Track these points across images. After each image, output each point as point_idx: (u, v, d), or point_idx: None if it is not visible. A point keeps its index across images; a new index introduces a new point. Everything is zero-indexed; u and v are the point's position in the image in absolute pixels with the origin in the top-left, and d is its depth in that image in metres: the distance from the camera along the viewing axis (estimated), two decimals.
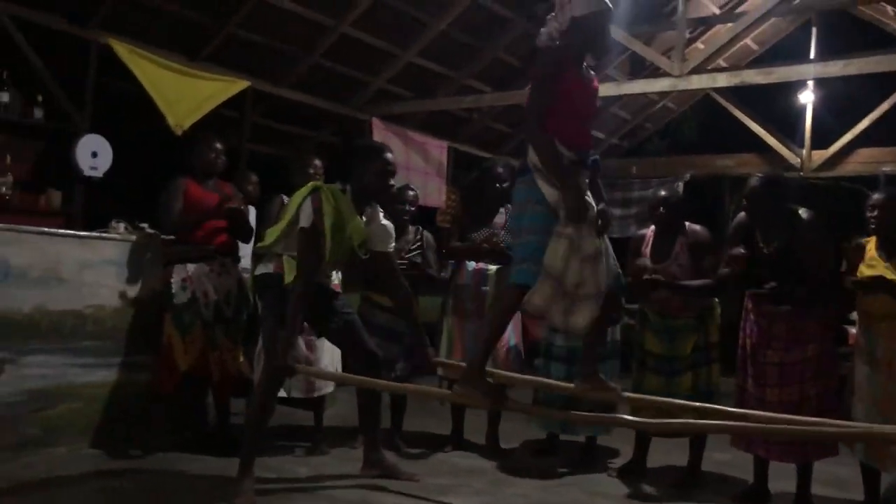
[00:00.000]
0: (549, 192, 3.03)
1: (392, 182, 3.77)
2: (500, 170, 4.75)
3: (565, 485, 4.09)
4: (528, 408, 3.74)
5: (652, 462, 4.34)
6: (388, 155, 3.71)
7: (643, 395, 3.84)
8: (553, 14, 3.20)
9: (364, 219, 3.70)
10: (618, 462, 4.54)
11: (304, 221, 3.51)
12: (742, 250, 3.82)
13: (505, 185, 4.67)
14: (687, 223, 4.27)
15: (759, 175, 3.86)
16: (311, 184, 3.65)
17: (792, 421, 2.97)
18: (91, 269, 4.25)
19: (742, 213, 3.93)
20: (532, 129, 3.11)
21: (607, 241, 3.23)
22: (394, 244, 3.86)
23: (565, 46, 3.15)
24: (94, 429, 4.22)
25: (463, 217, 4.95)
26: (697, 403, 3.33)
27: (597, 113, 3.36)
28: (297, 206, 3.57)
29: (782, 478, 3.93)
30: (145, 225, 4.65)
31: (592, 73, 3.28)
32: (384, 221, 3.79)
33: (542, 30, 3.21)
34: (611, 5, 3.18)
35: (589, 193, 3.11)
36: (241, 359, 4.57)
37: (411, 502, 3.59)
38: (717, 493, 4.00)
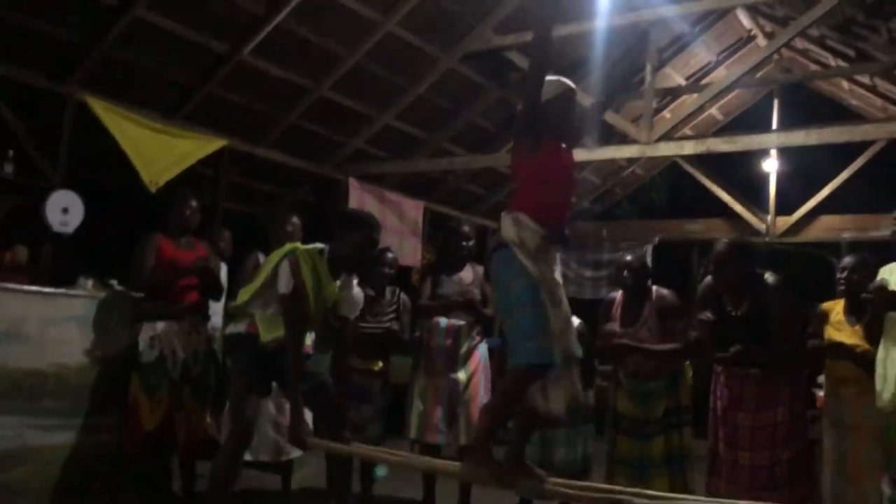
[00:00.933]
0: (531, 265, 2.95)
1: (372, 256, 3.76)
2: (466, 228, 4.85)
3: None
4: (538, 485, 3.56)
5: None
6: (374, 230, 3.66)
7: (589, 487, 3.63)
8: None
9: (339, 284, 3.68)
10: None
11: (284, 287, 3.47)
12: (709, 315, 3.85)
13: (471, 242, 4.78)
14: (655, 287, 4.33)
15: (725, 240, 3.90)
16: (288, 245, 3.63)
17: None
18: (55, 326, 4.16)
19: (709, 278, 3.98)
20: (530, 94, 2.98)
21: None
22: (357, 313, 3.86)
23: (542, 121, 3.05)
24: (52, 493, 4.08)
25: (432, 275, 4.97)
26: (661, 494, 3.31)
27: (574, 187, 3.32)
28: (273, 265, 3.56)
29: None
30: (114, 281, 4.59)
31: (570, 152, 3.27)
32: (356, 290, 3.78)
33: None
34: (570, 87, 3.09)
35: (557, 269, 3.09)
36: (209, 420, 4.48)
37: None
38: None
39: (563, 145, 3.12)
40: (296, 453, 4.48)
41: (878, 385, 3.23)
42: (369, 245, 3.65)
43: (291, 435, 3.59)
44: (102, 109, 5.66)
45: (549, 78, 3.14)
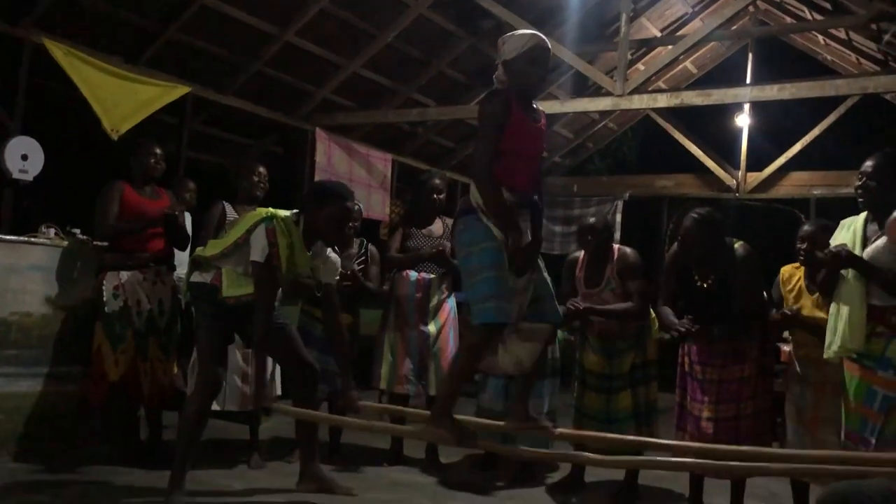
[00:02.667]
0: (498, 231, 3.05)
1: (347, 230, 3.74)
2: (437, 181, 4.78)
3: (505, 499, 4.08)
4: (497, 447, 3.74)
5: (590, 476, 4.35)
6: (349, 203, 3.63)
7: (576, 431, 3.93)
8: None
9: (312, 252, 3.65)
10: (556, 476, 4.54)
11: (259, 256, 3.42)
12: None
13: (441, 195, 4.75)
14: (617, 246, 4.33)
15: (693, 214, 3.82)
16: (263, 211, 3.54)
17: (726, 453, 3.07)
18: (17, 274, 4.10)
19: (675, 246, 3.96)
20: (480, 176, 3.11)
21: (544, 274, 3.25)
22: (338, 277, 3.86)
23: (507, 89, 3.15)
24: (17, 442, 4.04)
25: (402, 227, 4.93)
26: (633, 437, 3.43)
27: (542, 154, 3.36)
28: (247, 229, 3.49)
29: (717, 493, 3.98)
30: (77, 231, 4.49)
31: (541, 111, 3.28)
32: (331, 255, 3.77)
33: (494, 76, 3.22)
34: (542, 40, 3.15)
35: (528, 234, 3.15)
36: (176, 370, 4.44)
37: None
38: None
39: (532, 107, 3.19)
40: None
41: (828, 338, 3.28)
42: (344, 217, 3.61)
43: (255, 402, 3.59)
44: (62, 54, 5.48)
45: (514, 34, 3.16)
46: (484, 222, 3.07)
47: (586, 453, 3.33)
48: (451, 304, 4.80)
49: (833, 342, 3.24)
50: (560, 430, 3.47)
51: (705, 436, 3.72)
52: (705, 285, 3.79)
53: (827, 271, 3.35)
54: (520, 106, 3.12)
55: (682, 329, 3.70)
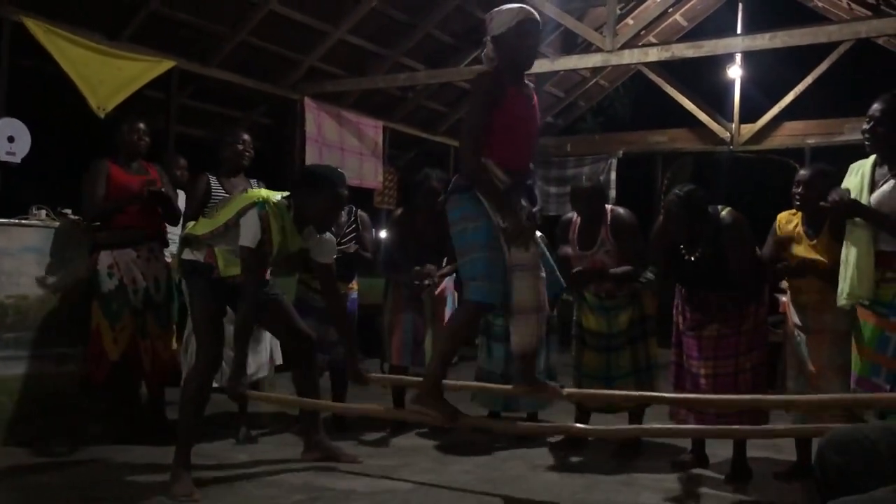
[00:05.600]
0: (493, 211, 3.04)
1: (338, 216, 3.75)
2: (436, 184, 4.60)
3: (508, 459, 4.10)
4: (484, 422, 3.78)
5: None
6: (340, 190, 3.57)
7: (584, 391, 3.98)
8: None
9: (304, 235, 3.63)
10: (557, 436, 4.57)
11: (250, 241, 3.38)
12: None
13: (440, 198, 4.45)
14: (610, 207, 4.29)
15: (676, 192, 3.75)
16: (256, 195, 3.49)
17: (728, 402, 3.12)
18: (10, 257, 4.09)
19: (661, 223, 3.90)
20: (469, 157, 3.09)
21: (542, 247, 3.25)
22: (335, 255, 3.84)
23: (498, 67, 3.12)
24: (18, 424, 4.06)
25: (399, 228, 4.79)
26: (637, 393, 3.45)
27: (537, 132, 3.33)
28: (237, 212, 3.44)
29: (719, 444, 4.01)
30: (68, 211, 4.47)
31: (532, 87, 3.24)
32: (327, 235, 3.74)
33: (482, 53, 3.19)
34: (531, 12, 3.12)
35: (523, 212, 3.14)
36: (175, 346, 4.44)
37: (356, 484, 3.54)
38: (656, 461, 4.06)
39: (525, 83, 3.18)
40: (262, 373, 4.46)
41: (839, 286, 3.26)
42: (336, 204, 3.58)
43: (230, 388, 3.59)
44: (42, 32, 5.39)
45: (501, 9, 3.12)
46: (478, 199, 3.06)
47: (580, 425, 3.39)
48: (448, 282, 4.78)
49: (843, 290, 3.23)
50: (566, 389, 3.50)
51: (704, 392, 3.74)
52: (692, 259, 3.77)
53: (831, 220, 3.32)
54: (513, 84, 3.10)
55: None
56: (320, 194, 3.51)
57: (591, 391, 3.95)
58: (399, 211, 4.92)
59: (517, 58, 3.13)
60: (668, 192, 3.95)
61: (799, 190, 3.70)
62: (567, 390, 3.48)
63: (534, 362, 3.39)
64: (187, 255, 3.61)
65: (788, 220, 3.82)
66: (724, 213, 3.76)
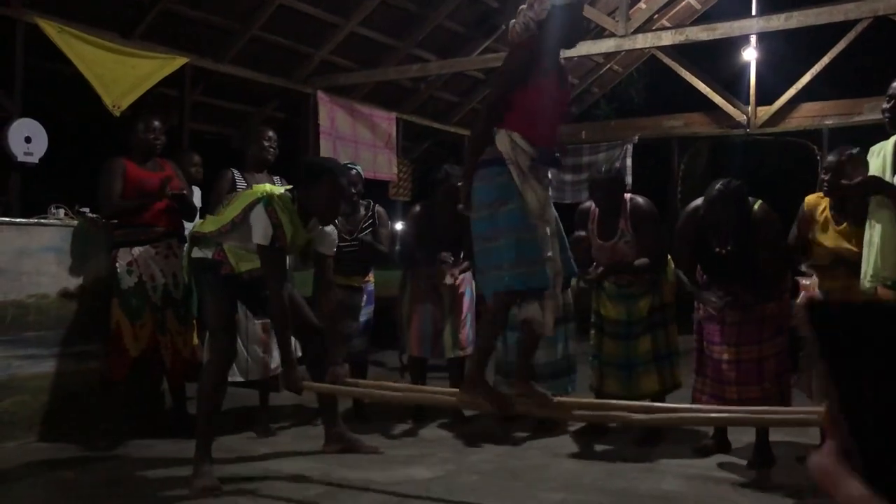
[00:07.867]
0: (521, 185, 2.96)
1: (342, 206, 3.71)
2: (455, 182, 4.40)
3: (528, 448, 4.10)
4: (533, 410, 3.57)
5: None
6: (341, 179, 3.55)
7: (578, 411, 3.49)
8: (526, 4, 3.06)
9: (308, 227, 3.61)
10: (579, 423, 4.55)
11: (262, 238, 3.37)
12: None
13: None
14: (629, 196, 4.25)
15: (719, 187, 3.66)
16: (260, 191, 3.48)
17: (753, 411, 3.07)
18: (30, 256, 4.11)
19: (693, 207, 3.85)
20: (480, 123, 3.05)
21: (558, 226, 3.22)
22: (335, 249, 3.80)
23: (541, 38, 3.03)
24: (42, 421, 4.10)
25: (418, 225, 4.76)
26: (638, 402, 3.40)
27: (567, 110, 3.29)
28: (243, 209, 3.44)
29: (741, 430, 3.97)
30: (86, 209, 4.49)
31: (564, 65, 3.19)
32: (329, 228, 3.71)
33: (516, 21, 3.08)
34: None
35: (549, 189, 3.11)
36: (196, 341, 4.46)
37: (377, 475, 3.54)
38: (678, 446, 4.04)
39: (559, 61, 3.12)
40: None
41: (863, 268, 3.22)
42: (337, 193, 3.54)
43: (289, 384, 3.55)
44: (56, 32, 5.42)
45: None
46: (513, 177, 2.96)
47: (608, 410, 3.27)
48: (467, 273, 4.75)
49: (866, 272, 3.19)
50: (561, 398, 3.41)
51: (726, 379, 3.71)
52: (724, 252, 3.71)
53: (854, 200, 3.27)
54: (549, 60, 3.05)
55: (720, 304, 3.66)
56: (322, 185, 3.48)
57: (591, 412, 3.51)
58: (418, 207, 4.88)
59: (570, 31, 3.06)
60: (685, 179, 3.90)
61: (827, 177, 3.60)
62: (559, 398, 3.34)
63: (530, 366, 3.36)
64: (196, 253, 3.61)
65: (816, 203, 3.74)
66: (756, 206, 3.70)
